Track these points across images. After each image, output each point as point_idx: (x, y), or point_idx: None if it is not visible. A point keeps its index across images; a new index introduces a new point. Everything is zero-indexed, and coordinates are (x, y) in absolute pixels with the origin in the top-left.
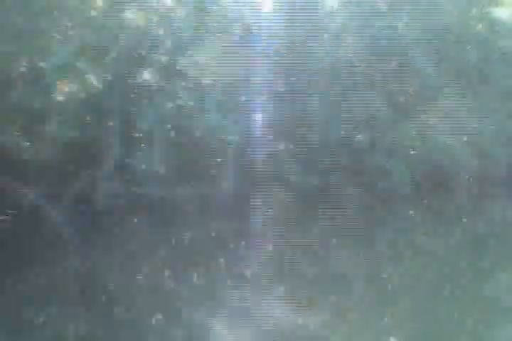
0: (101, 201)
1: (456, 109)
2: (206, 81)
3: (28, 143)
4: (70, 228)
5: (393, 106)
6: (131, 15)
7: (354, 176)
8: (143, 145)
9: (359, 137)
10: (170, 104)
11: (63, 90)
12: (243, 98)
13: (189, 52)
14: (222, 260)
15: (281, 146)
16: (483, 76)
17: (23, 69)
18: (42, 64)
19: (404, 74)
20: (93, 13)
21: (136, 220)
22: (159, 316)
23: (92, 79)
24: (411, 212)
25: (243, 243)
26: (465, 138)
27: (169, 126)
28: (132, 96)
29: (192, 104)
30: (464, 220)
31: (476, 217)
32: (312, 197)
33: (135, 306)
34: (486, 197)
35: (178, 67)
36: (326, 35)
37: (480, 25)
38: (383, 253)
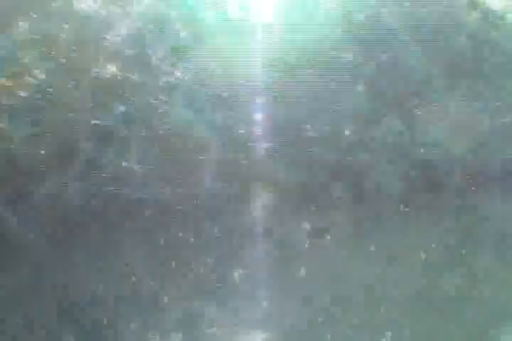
0: (69, 202)
1: (447, 103)
2: (177, 74)
3: None
4: (35, 234)
5: (381, 100)
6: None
7: (341, 174)
8: (111, 142)
9: (346, 133)
10: (138, 99)
11: (17, 85)
12: (219, 93)
13: (157, 44)
14: (202, 265)
15: (264, 144)
16: (476, 67)
17: None
18: None
19: (392, 66)
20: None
21: (107, 222)
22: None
23: (50, 73)
24: (401, 211)
25: (225, 245)
26: (457, 133)
27: (137, 122)
28: (97, 90)
29: (162, 98)
30: (457, 219)
31: (468, 215)
32: (296, 196)
33: (102, 316)
34: (480, 194)
35: (146, 60)
36: (309, 25)
37: (472, 15)
38: (372, 254)
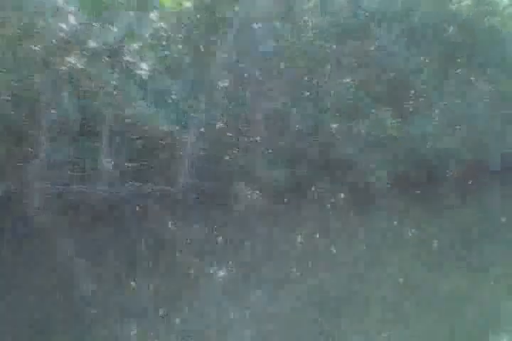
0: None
1: (439, 94)
2: (140, 65)
3: None
4: None
5: (368, 92)
6: None
7: (326, 169)
8: (73, 137)
9: (334, 126)
10: (99, 92)
11: None
12: (186, 84)
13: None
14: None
15: (243, 138)
16: (469, 57)
17: None
18: None
19: (380, 56)
20: None
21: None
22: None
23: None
24: (391, 207)
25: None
26: (450, 126)
27: (97, 115)
28: (56, 84)
29: (123, 90)
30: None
31: (462, 210)
32: (279, 193)
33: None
34: (473, 188)
35: (106, 51)
36: (289, 15)
37: (465, 2)
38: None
